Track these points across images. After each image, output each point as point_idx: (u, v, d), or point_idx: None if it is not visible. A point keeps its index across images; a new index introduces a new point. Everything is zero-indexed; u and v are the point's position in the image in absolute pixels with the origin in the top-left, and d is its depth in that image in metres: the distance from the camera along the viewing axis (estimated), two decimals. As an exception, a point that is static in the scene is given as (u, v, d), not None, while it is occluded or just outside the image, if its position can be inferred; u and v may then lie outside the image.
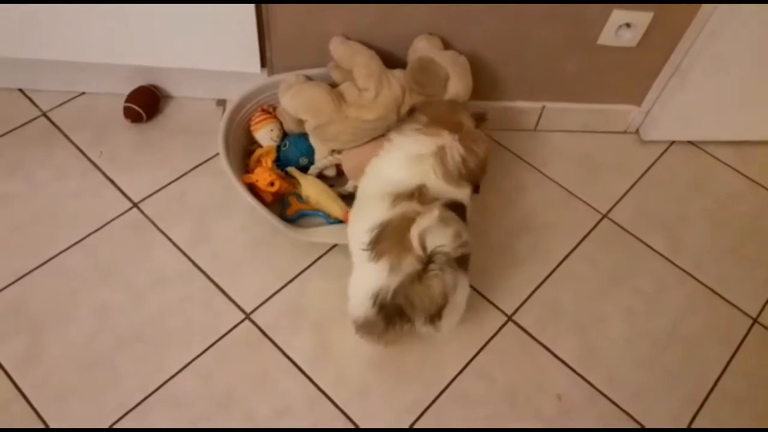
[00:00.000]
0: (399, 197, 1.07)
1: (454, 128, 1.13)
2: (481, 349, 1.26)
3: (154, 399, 1.15)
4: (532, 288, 1.36)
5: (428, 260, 0.97)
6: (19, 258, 1.28)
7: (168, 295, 1.27)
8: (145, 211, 1.38)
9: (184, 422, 1.13)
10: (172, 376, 1.17)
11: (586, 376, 1.25)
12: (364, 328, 1.09)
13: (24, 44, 1.39)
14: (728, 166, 1.63)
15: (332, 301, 1.28)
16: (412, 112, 1.24)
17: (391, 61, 1.35)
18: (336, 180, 1.43)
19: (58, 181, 1.41)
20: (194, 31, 1.37)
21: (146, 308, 1.25)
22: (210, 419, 1.13)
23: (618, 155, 1.62)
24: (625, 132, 1.66)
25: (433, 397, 1.20)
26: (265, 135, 1.41)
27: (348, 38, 1.36)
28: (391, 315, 1.03)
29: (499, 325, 1.30)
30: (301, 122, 1.35)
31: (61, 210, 1.36)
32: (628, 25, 1.38)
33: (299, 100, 1.30)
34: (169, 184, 1.43)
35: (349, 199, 1.39)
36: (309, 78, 1.38)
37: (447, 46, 1.39)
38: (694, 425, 1.21)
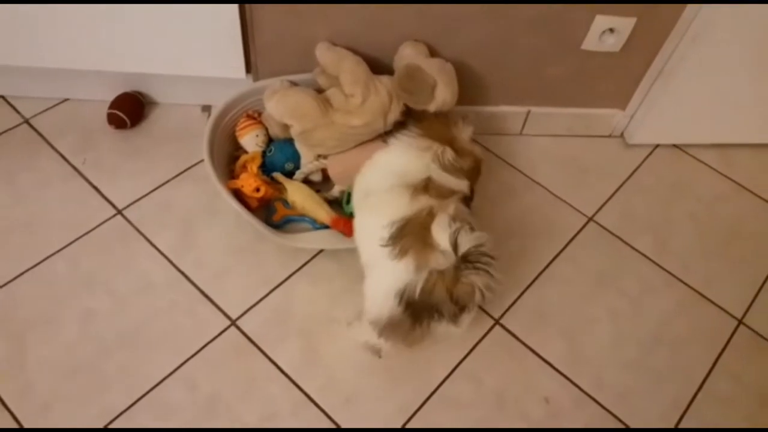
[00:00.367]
0: (416, 190, 1.07)
1: (448, 143, 1.16)
2: (469, 352, 1.26)
3: (139, 407, 1.13)
4: (519, 291, 1.36)
5: (464, 258, 0.96)
6: (1, 266, 1.27)
7: (153, 302, 1.25)
8: (130, 218, 1.37)
9: (170, 430, 1.12)
10: (158, 384, 1.16)
11: (574, 379, 1.25)
12: (389, 328, 1.05)
13: (5, 51, 1.38)
14: (712, 169, 1.65)
15: (319, 307, 1.28)
16: (402, 124, 1.24)
17: (378, 67, 1.35)
18: (322, 185, 1.42)
19: (41, 189, 1.39)
20: (178, 37, 1.36)
21: (131, 315, 1.23)
22: (196, 427, 1.12)
23: (603, 159, 1.63)
24: (610, 136, 1.67)
25: (422, 401, 1.19)
26: (251, 140, 1.41)
27: (334, 44, 1.36)
28: (419, 312, 1.01)
29: (487, 328, 1.30)
30: (286, 127, 1.34)
31: (44, 217, 1.35)
32: (611, 30, 1.38)
33: (284, 106, 1.30)
34: (153, 190, 1.42)
35: (335, 204, 1.39)
36: (294, 83, 1.37)
37: (432, 52, 1.39)
38: (682, 426, 1.22)
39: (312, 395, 1.18)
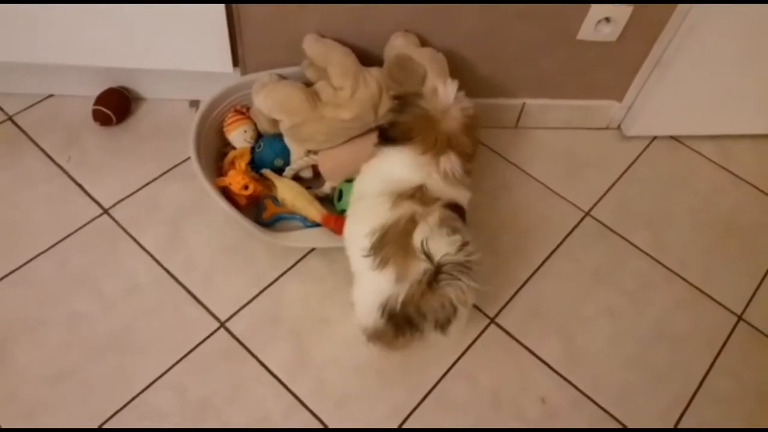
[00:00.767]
0: (401, 197, 1.03)
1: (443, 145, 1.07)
2: (464, 352, 1.24)
3: (126, 412, 1.11)
4: (515, 289, 1.33)
5: (437, 269, 0.93)
6: (-16, 268, 1.24)
7: (140, 303, 1.23)
8: (116, 218, 1.34)
9: (158, 436, 1.10)
10: (145, 388, 1.13)
11: (570, 379, 1.23)
12: (374, 336, 1.07)
13: (-14, 46, 1.34)
14: (710, 161, 1.62)
15: (310, 307, 1.26)
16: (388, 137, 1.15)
17: (368, 59, 1.32)
18: (313, 181, 1.40)
19: (25, 188, 1.36)
20: (163, 31, 1.33)
21: (117, 318, 1.21)
22: (184, 432, 1.10)
23: (600, 152, 1.60)
24: (606, 128, 1.64)
25: (416, 402, 1.17)
26: (239, 136, 1.38)
27: (322, 36, 1.33)
28: (401, 324, 1.00)
29: (482, 327, 1.27)
30: (275, 122, 1.32)
31: (28, 217, 1.32)
32: (607, 19, 1.35)
33: (273, 100, 1.27)
34: (140, 188, 1.39)
35: (326, 201, 1.36)
36: (283, 77, 1.35)
37: (424, 43, 1.36)
38: (681, 425, 1.20)
39: (303, 398, 1.15)
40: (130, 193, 1.38)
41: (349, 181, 1.25)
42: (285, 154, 1.37)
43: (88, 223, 1.33)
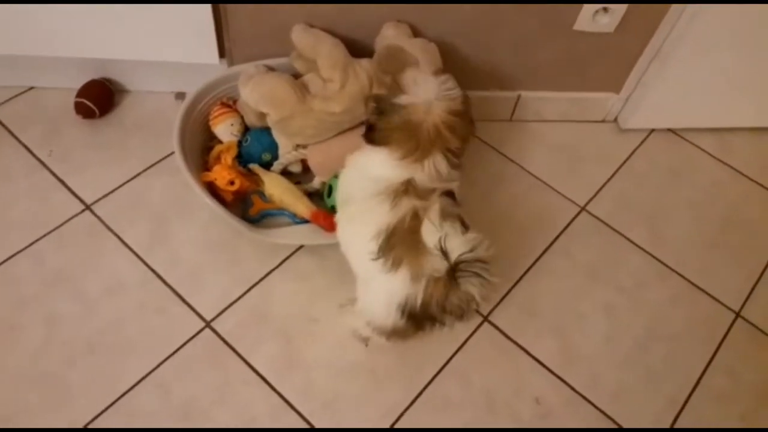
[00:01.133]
0: (397, 195, 1.01)
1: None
2: (457, 351, 1.21)
3: (108, 414, 1.08)
4: (509, 286, 1.30)
5: (454, 266, 0.91)
6: (-39, 267, 1.21)
7: (123, 303, 1.20)
8: (99, 214, 1.30)
9: (141, 440, 1.07)
10: (128, 390, 1.11)
11: (565, 378, 1.20)
12: (394, 335, 1.06)
13: (-38, 37, 1.30)
14: (709, 154, 1.59)
15: (299, 306, 1.23)
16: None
17: (358, 50, 1.29)
18: (302, 176, 1.36)
19: (4, 183, 1.33)
20: (147, 20, 1.29)
21: (99, 318, 1.18)
22: (169, 435, 1.08)
23: (596, 145, 1.57)
24: (603, 121, 1.61)
25: (408, 403, 1.15)
26: (225, 130, 1.34)
27: (311, 26, 1.29)
28: (422, 321, 0.99)
29: (475, 326, 1.25)
30: (262, 116, 1.28)
31: (7, 214, 1.28)
32: (605, 9, 1.32)
33: (260, 92, 1.24)
34: (124, 184, 1.35)
35: (316, 197, 1.33)
36: (271, 68, 1.31)
37: (416, 33, 1.33)
38: (677, 425, 1.18)
39: (291, 400, 1.13)
40: (113, 188, 1.34)
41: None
42: (273, 148, 1.33)
43: (70, 219, 1.29)
